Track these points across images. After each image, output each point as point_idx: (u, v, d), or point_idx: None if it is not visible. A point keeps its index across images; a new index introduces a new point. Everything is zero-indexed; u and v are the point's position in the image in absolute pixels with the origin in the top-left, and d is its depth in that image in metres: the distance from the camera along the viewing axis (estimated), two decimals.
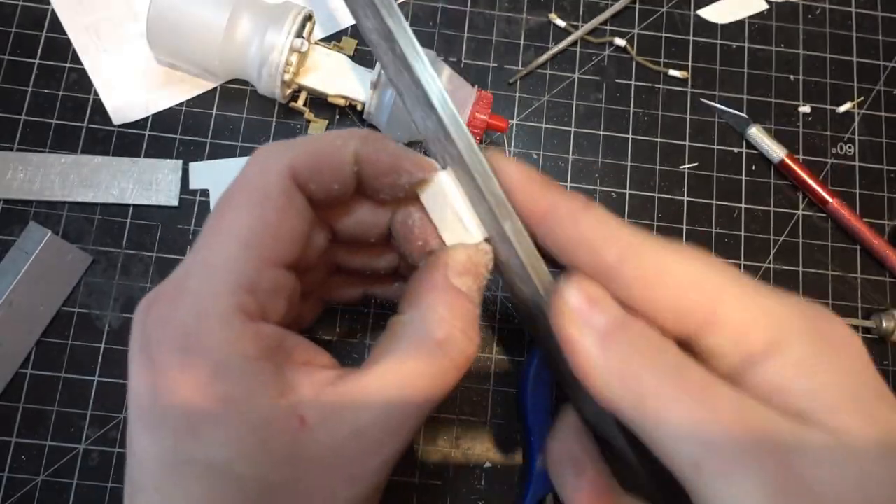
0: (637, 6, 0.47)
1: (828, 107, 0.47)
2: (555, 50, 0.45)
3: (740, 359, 0.21)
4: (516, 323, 0.42)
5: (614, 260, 0.23)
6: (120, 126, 0.42)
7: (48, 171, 0.41)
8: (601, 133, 0.45)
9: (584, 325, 0.22)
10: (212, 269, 0.22)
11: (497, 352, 0.41)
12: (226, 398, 0.21)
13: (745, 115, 0.46)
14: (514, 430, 0.40)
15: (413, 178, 0.25)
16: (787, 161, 0.44)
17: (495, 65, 0.46)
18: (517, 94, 0.45)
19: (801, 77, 0.47)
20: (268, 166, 0.24)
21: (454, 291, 0.25)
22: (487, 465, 0.40)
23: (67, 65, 0.43)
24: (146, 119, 0.43)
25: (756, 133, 0.45)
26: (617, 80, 0.46)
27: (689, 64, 0.47)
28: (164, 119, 0.43)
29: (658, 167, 0.45)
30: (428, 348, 0.24)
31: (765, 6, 0.48)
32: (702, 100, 0.46)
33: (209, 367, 0.21)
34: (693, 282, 0.22)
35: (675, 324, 0.22)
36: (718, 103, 0.46)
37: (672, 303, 0.22)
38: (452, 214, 0.26)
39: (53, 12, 0.44)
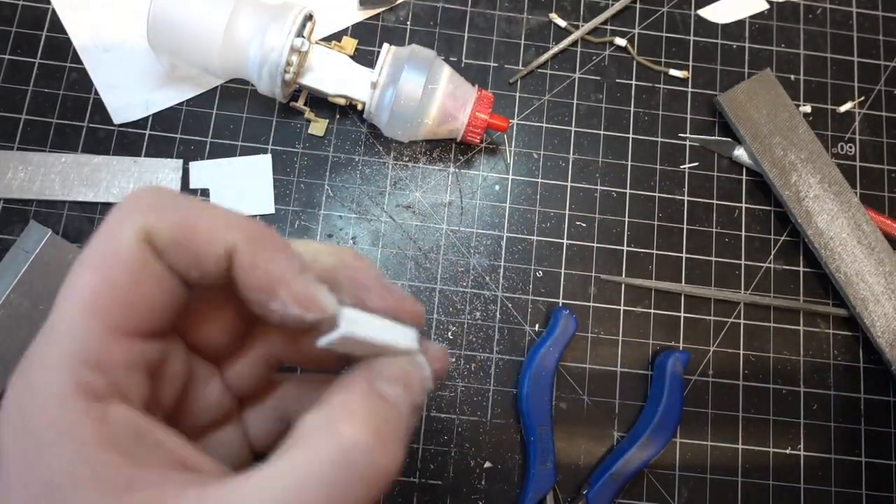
0: (637, 6, 0.47)
1: (828, 106, 0.47)
2: (555, 49, 0.45)
3: None
4: (516, 323, 0.42)
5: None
6: (120, 126, 0.42)
7: (48, 171, 0.41)
8: (602, 133, 0.45)
9: None
10: (53, 338, 0.19)
11: (497, 351, 0.41)
12: (49, 491, 0.17)
13: (728, 140, 0.45)
14: (514, 430, 0.40)
15: (287, 311, 0.20)
16: None
17: (495, 64, 0.46)
18: (517, 94, 0.45)
19: (801, 77, 0.47)
20: (121, 225, 0.20)
21: (376, 394, 0.20)
22: (487, 465, 0.40)
23: (67, 64, 0.43)
24: (146, 119, 0.43)
25: (743, 155, 0.45)
26: (617, 80, 0.46)
27: (690, 64, 0.47)
28: (164, 119, 0.43)
29: (658, 167, 0.45)
30: (329, 453, 0.18)
31: (765, 6, 0.48)
32: (680, 135, 0.46)
33: (36, 454, 0.18)
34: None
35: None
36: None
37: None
38: (373, 349, 0.21)
39: (53, 12, 0.44)
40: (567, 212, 0.44)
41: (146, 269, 0.20)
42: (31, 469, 0.17)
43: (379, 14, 0.45)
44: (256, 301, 0.21)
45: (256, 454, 0.25)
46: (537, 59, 0.45)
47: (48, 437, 0.18)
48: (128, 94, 0.43)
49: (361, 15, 0.45)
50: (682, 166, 0.45)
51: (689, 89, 0.46)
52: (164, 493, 0.18)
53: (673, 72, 0.46)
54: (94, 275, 0.19)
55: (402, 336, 0.22)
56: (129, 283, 0.19)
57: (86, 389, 0.18)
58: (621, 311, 0.42)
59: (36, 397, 0.18)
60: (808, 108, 0.46)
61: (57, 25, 0.44)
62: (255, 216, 0.42)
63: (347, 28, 0.45)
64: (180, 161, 0.42)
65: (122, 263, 0.19)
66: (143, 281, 0.20)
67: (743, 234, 0.44)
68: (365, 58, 0.44)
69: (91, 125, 0.42)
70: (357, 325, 0.20)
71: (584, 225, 0.43)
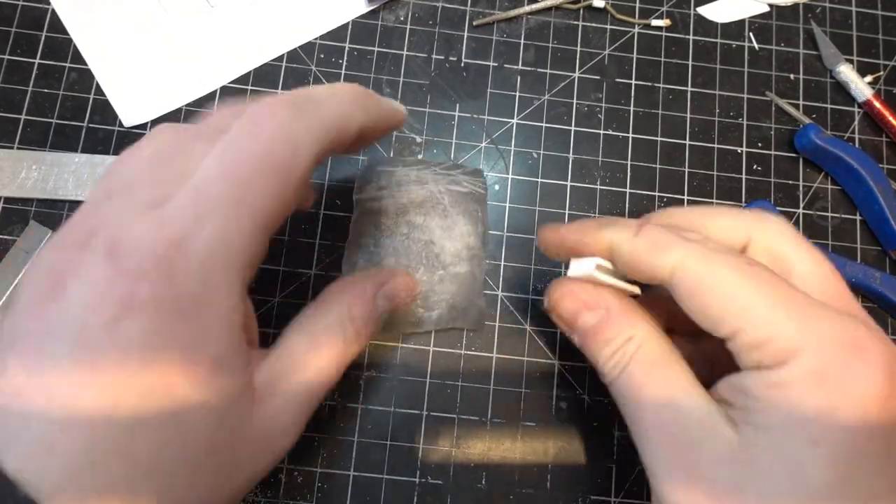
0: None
1: (828, 106, 0.47)
2: (534, 7, 0.46)
3: (756, 364, 0.24)
4: (517, 322, 0.42)
5: (667, 274, 0.26)
6: (120, 126, 0.42)
7: (62, 171, 0.41)
8: (601, 132, 0.45)
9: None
10: (227, 236, 0.22)
11: (497, 351, 0.41)
12: (216, 359, 0.22)
13: (838, 51, 0.46)
14: (515, 430, 0.40)
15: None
16: (873, 101, 0.45)
17: (495, 64, 0.46)
18: (517, 94, 0.45)
19: (801, 76, 0.47)
20: (298, 145, 0.24)
21: (372, 312, 0.31)
22: (488, 464, 0.39)
23: (67, 64, 0.43)
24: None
25: (845, 71, 0.46)
26: (617, 80, 0.46)
27: (689, 63, 0.47)
28: (164, 119, 0.43)
29: (658, 166, 0.45)
30: (338, 354, 0.29)
31: (766, 9, 0.48)
32: (806, 26, 0.46)
33: (206, 330, 0.22)
34: (726, 294, 0.24)
35: (715, 329, 0.25)
36: (718, 103, 0.46)
37: (707, 312, 0.25)
38: None
39: (54, 12, 0.44)
40: (567, 211, 0.43)
41: (305, 185, 0.25)
42: (201, 342, 0.22)
43: (379, 13, 0.46)
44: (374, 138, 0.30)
45: None
46: (510, 10, 0.45)
47: (219, 316, 0.23)
48: (137, 97, 0.43)
49: (366, 7, 0.45)
50: (681, 166, 0.45)
51: (689, 88, 0.46)
52: (262, 366, 0.26)
53: (655, 22, 0.46)
54: (274, 196, 0.23)
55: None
56: (293, 202, 0.24)
57: (243, 284, 0.23)
58: None
59: (210, 277, 0.22)
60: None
61: (57, 25, 0.44)
62: None
63: (348, 24, 0.45)
64: None
65: (295, 189, 0.24)
66: (298, 195, 0.25)
67: None
68: (364, 58, 0.44)
69: (91, 125, 0.42)
70: None
71: None
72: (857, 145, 0.46)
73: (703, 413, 0.25)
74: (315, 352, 0.28)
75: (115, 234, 0.22)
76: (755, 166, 0.45)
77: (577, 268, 0.29)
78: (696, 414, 0.25)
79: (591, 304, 0.29)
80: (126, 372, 0.20)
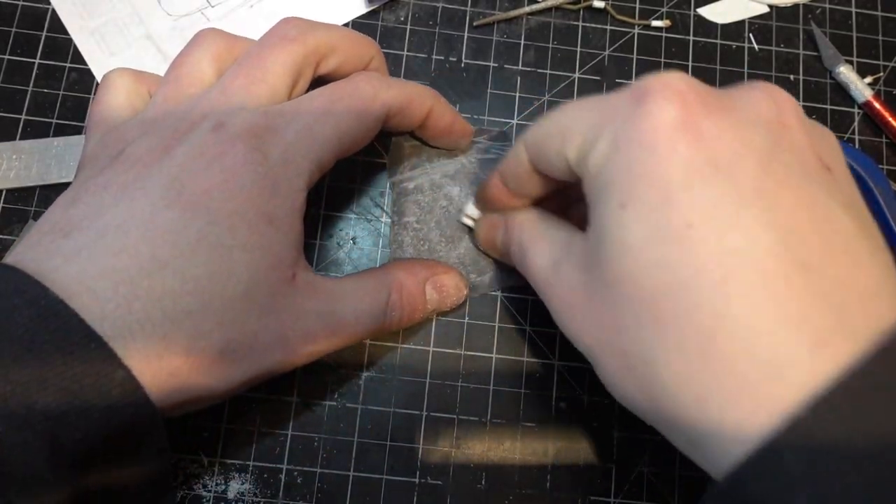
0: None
1: (828, 107, 0.47)
2: (534, 7, 0.46)
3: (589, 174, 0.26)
4: (516, 323, 0.42)
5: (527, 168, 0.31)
6: None
7: (43, 157, 0.41)
8: None
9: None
10: (311, 133, 0.28)
11: (497, 351, 0.41)
12: (275, 218, 0.27)
13: (837, 52, 0.46)
14: (515, 430, 0.40)
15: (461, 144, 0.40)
16: (873, 102, 0.45)
17: (496, 64, 0.46)
18: (517, 94, 0.45)
19: (801, 77, 0.47)
20: (377, 95, 0.31)
21: (419, 292, 0.34)
22: (488, 465, 0.39)
23: (67, 64, 0.43)
24: None
25: (845, 72, 0.46)
26: (617, 80, 0.46)
27: (689, 64, 0.47)
28: None
29: None
30: (378, 311, 0.32)
31: (766, 9, 0.48)
32: (805, 27, 0.46)
33: (274, 195, 0.27)
34: (546, 134, 0.28)
35: (562, 166, 0.27)
36: None
37: (550, 156, 0.28)
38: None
39: (54, 12, 0.44)
40: None
41: (377, 131, 0.32)
42: (271, 208, 0.27)
43: (379, 14, 0.46)
44: (443, 141, 0.39)
45: None
46: (510, 11, 0.46)
47: (281, 211, 0.27)
48: None
49: (366, 8, 0.45)
50: None
51: None
52: (306, 265, 0.29)
53: (655, 22, 0.46)
54: (351, 121, 0.30)
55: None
56: (363, 140, 0.31)
57: (311, 180, 0.29)
58: None
59: (289, 165, 0.28)
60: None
61: (57, 25, 0.44)
62: None
63: (348, 24, 0.45)
64: None
65: (369, 121, 0.31)
66: (368, 139, 0.32)
67: None
68: None
69: None
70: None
71: None
72: (856, 146, 0.46)
73: (570, 242, 0.29)
74: (358, 296, 0.31)
75: (221, 118, 0.27)
76: None
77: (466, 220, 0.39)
78: (567, 246, 0.29)
79: (495, 224, 0.35)
80: (204, 205, 0.25)
